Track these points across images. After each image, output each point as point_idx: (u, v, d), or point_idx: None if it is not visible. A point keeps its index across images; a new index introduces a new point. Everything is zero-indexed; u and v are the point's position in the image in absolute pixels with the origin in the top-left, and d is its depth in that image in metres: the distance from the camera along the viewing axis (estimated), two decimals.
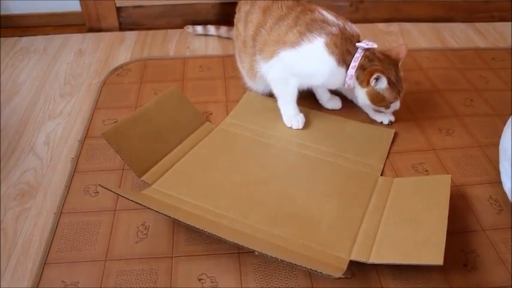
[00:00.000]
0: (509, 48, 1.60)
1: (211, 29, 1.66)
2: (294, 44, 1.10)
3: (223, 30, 1.65)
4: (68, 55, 1.57)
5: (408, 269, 0.86)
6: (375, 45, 1.12)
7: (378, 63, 1.11)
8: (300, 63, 1.12)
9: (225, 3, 1.70)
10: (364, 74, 1.11)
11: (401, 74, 1.13)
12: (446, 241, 0.80)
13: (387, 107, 1.16)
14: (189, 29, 1.67)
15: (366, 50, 1.11)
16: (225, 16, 1.72)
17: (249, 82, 1.30)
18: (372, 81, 1.10)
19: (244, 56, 1.24)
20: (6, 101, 1.32)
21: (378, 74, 1.09)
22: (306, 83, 1.19)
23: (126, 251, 0.90)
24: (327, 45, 1.09)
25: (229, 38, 1.63)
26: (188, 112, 1.19)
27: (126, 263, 0.87)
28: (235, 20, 1.27)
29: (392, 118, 1.23)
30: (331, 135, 1.18)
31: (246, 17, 1.20)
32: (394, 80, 1.11)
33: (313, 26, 1.10)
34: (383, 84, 1.10)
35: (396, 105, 1.17)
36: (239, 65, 1.31)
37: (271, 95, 1.24)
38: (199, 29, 1.67)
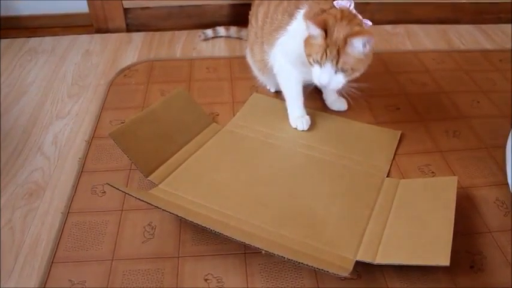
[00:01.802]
0: None
1: (221, 30, 1.67)
2: (286, 26, 1.10)
3: (233, 30, 1.66)
4: (76, 56, 1.57)
5: (414, 270, 0.86)
6: (351, 5, 1.02)
7: (331, 17, 0.98)
8: (292, 43, 1.09)
9: (233, 4, 1.71)
10: (313, 14, 1.01)
11: (348, 50, 0.98)
12: (452, 242, 0.80)
13: (310, 62, 1.03)
14: (201, 36, 1.67)
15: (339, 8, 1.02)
16: (233, 17, 1.73)
17: (260, 77, 1.31)
18: (307, 23, 0.99)
19: (256, 48, 1.25)
20: (14, 101, 1.33)
21: (313, 22, 0.97)
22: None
23: (132, 250, 0.90)
24: (305, 13, 1.06)
25: (239, 38, 1.64)
26: (195, 113, 1.19)
27: (133, 263, 0.88)
28: (249, 17, 1.29)
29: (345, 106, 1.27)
30: (337, 137, 1.18)
31: (257, 9, 1.22)
32: (331, 38, 0.97)
33: (300, 3, 1.08)
34: (312, 30, 0.99)
35: (320, 76, 1.01)
36: (250, 61, 1.32)
37: (279, 94, 1.24)
38: (209, 32, 1.67)
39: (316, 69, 1.03)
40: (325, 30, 0.98)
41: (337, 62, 0.99)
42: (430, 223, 0.88)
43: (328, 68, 1.00)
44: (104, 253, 0.90)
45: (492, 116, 1.27)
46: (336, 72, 1.01)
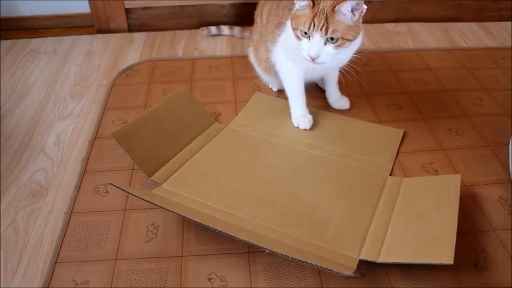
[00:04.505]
0: None
1: (225, 29, 1.68)
2: (286, 20, 1.09)
3: (237, 30, 1.66)
4: (78, 56, 1.58)
5: (418, 268, 0.86)
6: None
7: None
8: (291, 37, 1.07)
9: (234, 4, 1.71)
10: None
11: (336, 17, 0.97)
12: (456, 241, 0.80)
13: (298, 37, 1.02)
14: (204, 31, 1.67)
15: None
16: (234, 17, 1.73)
17: (265, 77, 1.31)
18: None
19: (261, 47, 1.25)
20: (16, 102, 1.34)
21: None
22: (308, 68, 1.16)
23: (136, 250, 0.90)
24: None
25: (242, 38, 1.64)
26: (197, 112, 1.19)
27: (136, 263, 0.88)
28: (255, 16, 1.29)
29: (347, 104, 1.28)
30: (340, 135, 1.18)
31: (262, 8, 1.23)
32: (319, 7, 0.97)
33: None
34: (299, 1, 1.00)
35: (309, 49, 1.00)
36: (254, 61, 1.32)
37: (281, 93, 1.23)
38: (213, 29, 1.68)
39: (304, 42, 1.01)
40: (313, 0, 0.98)
41: (326, 31, 0.98)
42: (433, 221, 0.88)
43: (317, 38, 0.99)
44: (108, 253, 0.90)
45: (495, 114, 1.27)
46: (325, 43, 1.00)
